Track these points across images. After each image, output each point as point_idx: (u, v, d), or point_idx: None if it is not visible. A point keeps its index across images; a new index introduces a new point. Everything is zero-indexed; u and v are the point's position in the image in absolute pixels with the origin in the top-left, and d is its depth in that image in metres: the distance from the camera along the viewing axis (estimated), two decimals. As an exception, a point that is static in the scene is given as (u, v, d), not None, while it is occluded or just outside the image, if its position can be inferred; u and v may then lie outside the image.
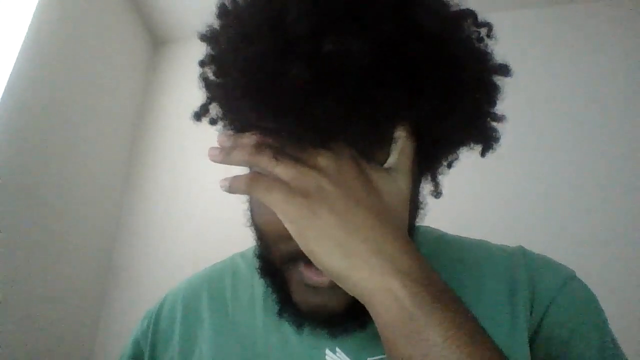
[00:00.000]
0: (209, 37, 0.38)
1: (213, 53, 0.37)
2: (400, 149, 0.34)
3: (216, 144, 0.35)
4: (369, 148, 0.34)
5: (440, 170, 0.43)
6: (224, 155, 0.34)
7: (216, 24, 0.37)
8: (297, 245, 0.31)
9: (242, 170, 0.36)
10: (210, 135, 0.39)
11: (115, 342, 1.43)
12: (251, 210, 0.40)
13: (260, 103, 0.30)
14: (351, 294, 0.31)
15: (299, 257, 0.34)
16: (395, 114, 0.32)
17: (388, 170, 0.34)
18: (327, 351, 0.40)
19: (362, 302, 0.30)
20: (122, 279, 1.59)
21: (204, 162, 0.35)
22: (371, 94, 0.29)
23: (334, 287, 0.34)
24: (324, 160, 0.32)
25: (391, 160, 0.34)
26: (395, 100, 0.30)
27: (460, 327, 0.27)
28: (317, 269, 0.34)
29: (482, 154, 0.40)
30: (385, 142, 0.34)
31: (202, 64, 0.38)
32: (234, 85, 0.32)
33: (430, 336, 0.27)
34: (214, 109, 0.38)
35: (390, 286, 0.28)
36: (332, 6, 0.29)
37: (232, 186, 0.34)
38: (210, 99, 0.38)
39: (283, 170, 0.32)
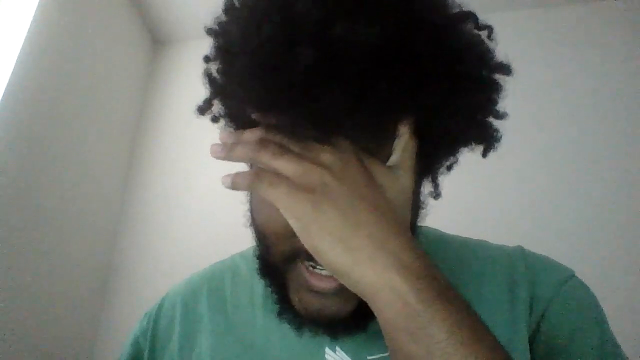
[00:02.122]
0: (216, 31, 0.37)
1: (221, 44, 0.36)
2: (403, 146, 0.34)
3: (218, 142, 0.35)
4: (372, 144, 0.34)
5: (440, 171, 0.43)
6: (227, 152, 0.34)
7: (223, 17, 0.37)
8: (298, 242, 0.31)
9: (244, 168, 0.36)
10: (211, 134, 0.39)
11: (115, 342, 1.43)
12: (252, 210, 0.40)
13: (267, 89, 0.30)
14: (353, 290, 0.31)
15: (300, 255, 0.34)
16: (398, 107, 0.32)
17: (391, 167, 0.34)
18: (327, 350, 0.40)
19: (364, 298, 0.30)
20: (122, 279, 1.59)
21: (204, 161, 0.36)
22: (375, 85, 0.29)
23: (337, 293, 0.34)
24: (327, 156, 0.32)
25: (394, 157, 0.34)
26: (398, 92, 0.30)
27: (463, 323, 0.27)
28: (321, 275, 0.34)
29: (484, 154, 0.40)
30: (388, 140, 0.34)
31: (207, 59, 0.38)
32: (242, 71, 0.31)
33: (433, 332, 0.27)
34: (217, 107, 0.38)
35: (394, 283, 0.28)
36: None
37: (235, 182, 0.33)
38: (214, 94, 0.38)
39: (286, 166, 0.31)
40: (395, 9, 0.30)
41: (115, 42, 1.70)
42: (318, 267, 0.35)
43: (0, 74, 1.22)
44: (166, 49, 1.98)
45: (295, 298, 0.37)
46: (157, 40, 1.98)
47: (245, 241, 0.50)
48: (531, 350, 0.39)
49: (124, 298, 1.56)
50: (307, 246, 0.30)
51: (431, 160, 0.40)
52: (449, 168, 0.44)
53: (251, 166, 0.38)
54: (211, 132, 0.40)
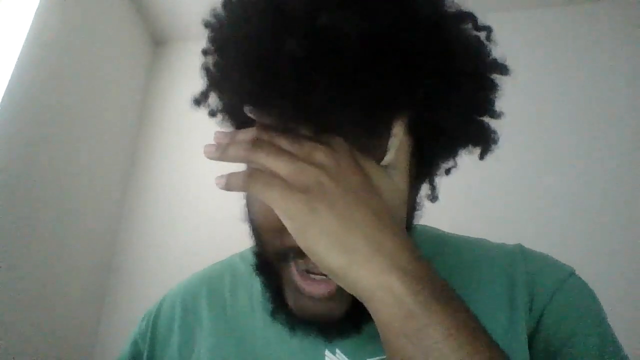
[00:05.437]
0: (212, 23, 0.37)
1: (214, 36, 0.36)
2: (398, 146, 0.33)
3: (211, 142, 0.35)
4: (366, 141, 0.33)
5: (438, 173, 0.43)
6: (221, 152, 0.33)
7: (220, 10, 0.37)
8: (289, 240, 0.31)
9: (242, 167, 0.36)
10: (211, 134, 0.39)
11: (116, 342, 1.43)
12: (247, 205, 0.39)
13: (255, 81, 0.30)
14: (349, 292, 0.30)
15: (290, 253, 0.34)
16: (390, 101, 0.31)
17: (385, 167, 0.34)
18: (327, 352, 0.40)
19: (361, 300, 0.30)
20: (122, 279, 1.59)
21: (204, 161, 0.35)
22: (366, 78, 0.29)
23: (331, 298, 0.34)
24: (322, 156, 0.31)
25: (388, 157, 0.33)
26: (389, 86, 0.29)
27: (461, 325, 0.27)
28: (314, 280, 0.34)
29: (481, 156, 0.40)
30: (381, 137, 0.33)
31: (205, 52, 0.37)
32: (232, 64, 0.31)
33: (430, 335, 0.27)
34: (214, 101, 0.38)
35: (390, 284, 0.28)
36: None
37: (229, 183, 0.33)
38: (209, 87, 0.37)
39: (281, 166, 0.31)
40: (388, 1, 0.30)
41: (115, 42, 1.70)
42: (311, 269, 0.35)
43: (0, 74, 1.22)
44: (166, 49, 1.98)
45: (290, 299, 0.37)
46: (157, 41, 1.97)
47: (245, 241, 0.50)
48: (531, 348, 0.39)
49: (124, 298, 1.55)
50: (302, 247, 0.30)
51: (428, 161, 0.40)
52: (447, 172, 0.43)
53: (248, 165, 0.38)
54: (211, 132, 0.40)
